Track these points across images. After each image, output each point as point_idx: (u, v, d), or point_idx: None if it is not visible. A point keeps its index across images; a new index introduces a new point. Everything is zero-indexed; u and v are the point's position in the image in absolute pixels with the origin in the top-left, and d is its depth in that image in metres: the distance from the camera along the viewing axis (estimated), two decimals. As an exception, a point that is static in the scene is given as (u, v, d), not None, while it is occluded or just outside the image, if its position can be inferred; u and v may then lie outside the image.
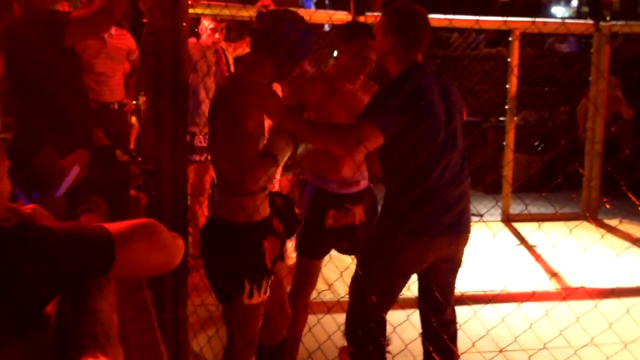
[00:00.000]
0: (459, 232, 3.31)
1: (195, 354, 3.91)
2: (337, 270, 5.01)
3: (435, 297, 3.39)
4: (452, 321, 3.51)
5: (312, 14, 6.35)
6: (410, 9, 3.25)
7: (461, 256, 3.45)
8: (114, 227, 1.54)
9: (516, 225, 7.08)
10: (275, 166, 2.94)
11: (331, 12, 6.64)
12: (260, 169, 2.88)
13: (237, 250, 2.95)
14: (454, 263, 3.43)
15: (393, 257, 3.24)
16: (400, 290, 3.39)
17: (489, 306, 4.53)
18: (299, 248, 3.99)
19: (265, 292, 3.02)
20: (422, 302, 3.47)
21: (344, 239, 3.96)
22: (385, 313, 3.46)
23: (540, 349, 3.88)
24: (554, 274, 5.40)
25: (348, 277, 5.06)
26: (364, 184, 3.96)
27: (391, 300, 3.40)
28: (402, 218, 3.14)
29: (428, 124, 3.12)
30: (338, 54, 3.84)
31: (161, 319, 2.49)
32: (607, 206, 3.38)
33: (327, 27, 8.61)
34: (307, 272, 3.99)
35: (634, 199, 3.48)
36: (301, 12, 6.31)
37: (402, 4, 3.31)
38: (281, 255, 3.16)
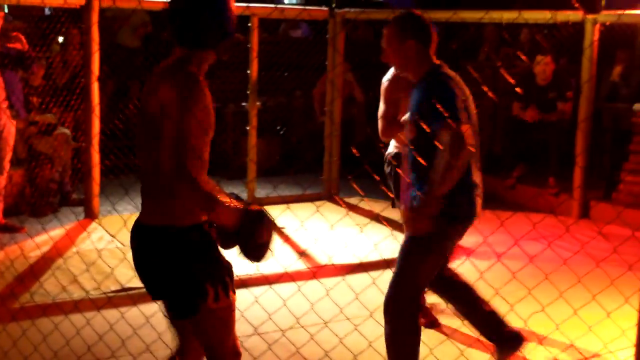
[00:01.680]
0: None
1: None
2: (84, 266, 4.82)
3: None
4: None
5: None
6: (413, 13, 3.60)
7: None
8: None
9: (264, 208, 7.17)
10: None
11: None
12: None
13: (193, 255, 2.69)
14: None
15: (441, 242, 3.45)
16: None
17: (244, 290, 4.57)
18: None
19: (233, 291, 2.77)
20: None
21: None
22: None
23: (292, 326, 3.98)
24: (303, 253, 5.55)
25: (96, 272, 4.89)
26: None
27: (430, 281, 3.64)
28: (448, 206, 3.33)
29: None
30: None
31: None
32: (353, 185, 3.54)
33: (47, 11, 8.16)
34: None
35: (374, 175, 3.66)
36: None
37: (404, 12, 3.63)
38: None
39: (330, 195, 7.68)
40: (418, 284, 3.53)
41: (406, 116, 3.62)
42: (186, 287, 2.68)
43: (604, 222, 6.21)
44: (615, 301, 3.73)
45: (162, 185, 2.64)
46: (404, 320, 3.48)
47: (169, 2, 2.76)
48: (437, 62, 3.54)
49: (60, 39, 8.35)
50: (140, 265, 2.78)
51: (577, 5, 3.57)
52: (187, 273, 2.67)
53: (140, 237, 2.76)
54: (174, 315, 2.81)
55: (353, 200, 7.37)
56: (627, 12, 7.00)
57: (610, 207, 6.99)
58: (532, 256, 3.62)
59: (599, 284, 3.91)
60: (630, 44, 8.97)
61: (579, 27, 7.19)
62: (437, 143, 3.26)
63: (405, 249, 3.50)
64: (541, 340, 3.62)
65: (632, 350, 2.70)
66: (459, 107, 3.31)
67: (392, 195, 4.46)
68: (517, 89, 3.49)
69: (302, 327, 4.03)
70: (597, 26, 6.92)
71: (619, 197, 7.38)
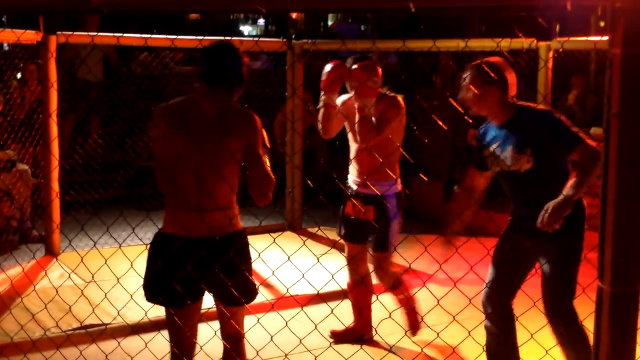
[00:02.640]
0: None
1: None
2: (43, 304, 4.77)
3: None
4: None
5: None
6: (493, 62, 3.91)
7: None
8: None
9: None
10: None
11: (19, 31, 6.29)
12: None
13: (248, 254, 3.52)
14: None
15: (581, 254, 3.85)
16: None
17: (203, 324, 4.55)
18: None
19: None
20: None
21: (356, 229, 4.87)
22: None
23: (253, 358, 3.96)
24: (263, 285, 5.54)
25: (55, 309, 4.83)
26: (378, 190, 4.66)
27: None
28: (582, 222, 3.87)
29: None
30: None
31: None
32: (306, 215, 3.60)
33: (6, 47, 8.16)
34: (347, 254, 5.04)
35: (328, 205, 3.69)
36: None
37: (484, 61, 3.92)
38: None
39: (293, 226, 7.70)
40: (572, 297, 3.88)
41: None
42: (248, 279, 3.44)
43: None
44: (570, 324, 3.77)
45: (226, 201, 3.36)
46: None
47: (206, 49, 3.52)
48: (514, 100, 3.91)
49: (19, 75, 8.33)
50: (202, 270, 3.31)
51: (520, 34, 3.68)
52: (250, 268, 3.46)
53: (213, 246, 3.33)
54: (234, 302, 3.44)
55: (314, 230, 7.38)
56: (579, 38, 7.16)
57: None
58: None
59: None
60: (584, 70, 9.15)
61: (533, 54, 7.34)
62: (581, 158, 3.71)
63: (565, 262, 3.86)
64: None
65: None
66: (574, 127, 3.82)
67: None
68: (466, 118, 3.58)
69: (262, 359, 4.01)
70: (551, 52, 7.07)
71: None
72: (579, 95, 8.77)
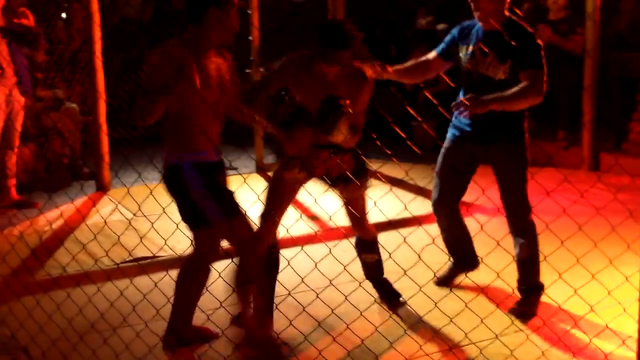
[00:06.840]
0: None
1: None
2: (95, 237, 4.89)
3: None
4: None
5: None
6: None
7: None
8: None
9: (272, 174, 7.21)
10: None
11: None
12: None
13: None
14: None
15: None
16: None
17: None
18: None
19: None
20: None
21: None
22: None
23: (327, 286, 3.99)
24: (308, 216, 5.59)
25: (106, 243, 4.93)
26: None
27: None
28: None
29: None
30: None
31: None
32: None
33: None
34: None
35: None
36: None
37: None
38: None
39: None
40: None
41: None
42: None
43: (615, 173, 6.25)
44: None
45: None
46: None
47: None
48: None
49: (64, 15, 8.39)
50: None
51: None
52: None
53: None
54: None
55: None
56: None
57: (620, 159, 6.98)
58: (564, 208, 3.47)
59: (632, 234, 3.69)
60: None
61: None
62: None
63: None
64: (576, 290, 3.56)
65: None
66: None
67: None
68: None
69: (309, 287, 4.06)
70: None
71: (629, 147, 7.36)
72: (629, 20, 8.49)
